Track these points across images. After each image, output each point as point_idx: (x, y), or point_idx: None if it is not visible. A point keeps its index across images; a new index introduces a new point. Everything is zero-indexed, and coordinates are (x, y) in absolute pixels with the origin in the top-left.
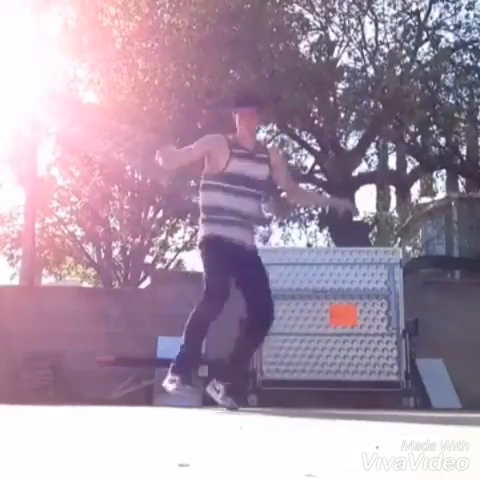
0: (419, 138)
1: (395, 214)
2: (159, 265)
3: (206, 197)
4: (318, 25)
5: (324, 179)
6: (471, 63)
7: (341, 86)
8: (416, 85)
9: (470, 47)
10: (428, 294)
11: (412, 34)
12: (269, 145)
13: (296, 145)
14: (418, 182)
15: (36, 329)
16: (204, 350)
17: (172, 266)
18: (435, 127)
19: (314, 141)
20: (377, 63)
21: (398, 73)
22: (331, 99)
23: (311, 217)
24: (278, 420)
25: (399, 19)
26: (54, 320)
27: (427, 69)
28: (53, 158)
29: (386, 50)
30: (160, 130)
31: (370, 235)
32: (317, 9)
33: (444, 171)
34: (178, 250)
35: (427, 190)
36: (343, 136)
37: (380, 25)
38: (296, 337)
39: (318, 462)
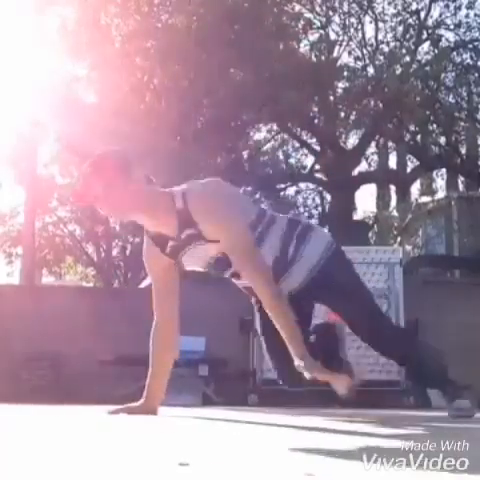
0: (419, 137)
1: (395, 213)
2: None
3: None
4: (318, 24)
5: (324, 179)
6: (471, 62)
7: (341, 85)
8: (416, 84)
9: (470, 46)
10: (428, 294)
11: (412, 33)
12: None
13: (296, 145)
14: (418, 181)
15: (36, 329)
16: (204, 349)
17: None
18: (435, 126)
19: (314, 141)
20: (377, 62)
21: (398, 72)
22: (331, 99)
23: (311, 216)
24: (278, 420)
25: (399, 18)
26: (54, 320)
27: (427, 68)
28: (53, 157)
29: (386, 49)
30: (159, 130)
31: (370, 234)
32: (317, 8)
33: (444, 170)
34: None
35: (427, 189)
36: (343, 135)
37: (380, 24)
38: None
39: (318, 462)
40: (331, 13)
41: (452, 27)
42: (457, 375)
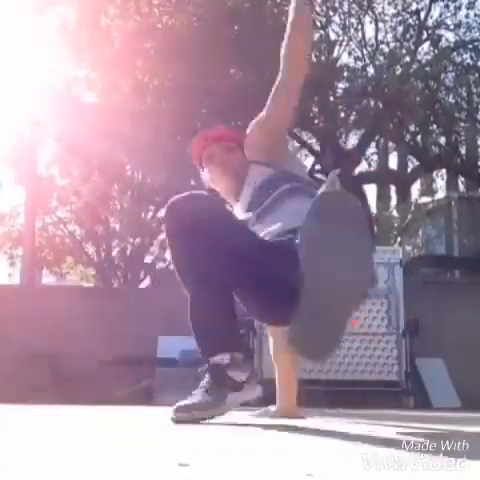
0: (419, 137)
1: (395, 214)
2: (159, 265)
3: None
4: (318, 24)
5: (324, 179)
6: (471, 62)
7: (341, 86)
8: (416, 84)
9: (470, 46)
10: (428, 294)
11: (412, 33)
12: None
13: (296, 145)
14: (418, 182)
15: (36, 329)
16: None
17: (172, 266)
18: (435, 126)
19: (314, 141)
20: (377, 62)
21: (398, 72)
22: (331, 99)
23: None
24: (278, 420)
25: (399, 18)
26: (54, 320)
27: (427, 68)
28: (53, 157)
29: (386, 49)
30: (159, 130)
31: None
32: (317, 8)
33: (444, 171)
34: None
35: (427, 189)
36: (343, 136)
37: (380, 24)
38: None
39: (318, 462)
40: (331, 13)
41: (452, 27)
42: (458, 375)
